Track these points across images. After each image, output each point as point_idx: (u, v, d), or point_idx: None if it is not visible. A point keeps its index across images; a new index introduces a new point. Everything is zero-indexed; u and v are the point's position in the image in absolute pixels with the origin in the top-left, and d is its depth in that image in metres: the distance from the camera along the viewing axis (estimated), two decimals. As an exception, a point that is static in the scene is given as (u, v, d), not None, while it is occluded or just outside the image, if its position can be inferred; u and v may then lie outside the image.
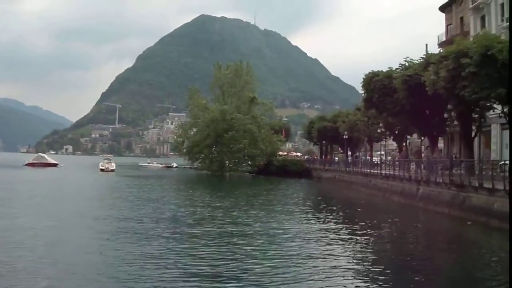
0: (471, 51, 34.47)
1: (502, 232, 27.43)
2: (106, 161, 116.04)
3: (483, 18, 69.44)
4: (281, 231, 27.88)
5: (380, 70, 53.46)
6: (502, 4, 63.83)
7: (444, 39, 77.32)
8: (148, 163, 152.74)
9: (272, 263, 19.36)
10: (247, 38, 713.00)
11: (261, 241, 24.60)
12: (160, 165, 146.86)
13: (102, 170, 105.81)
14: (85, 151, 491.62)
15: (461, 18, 77.45)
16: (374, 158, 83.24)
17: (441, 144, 68.69)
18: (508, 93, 10.64)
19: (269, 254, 21.15)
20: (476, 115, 45.67)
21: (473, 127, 46.90)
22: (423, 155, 50.13)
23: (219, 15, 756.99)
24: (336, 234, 27.14)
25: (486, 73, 33.43)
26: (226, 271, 17.85)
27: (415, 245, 26.45)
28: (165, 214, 34.24)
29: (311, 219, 34.16)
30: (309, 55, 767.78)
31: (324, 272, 18.27)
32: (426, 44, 63.21)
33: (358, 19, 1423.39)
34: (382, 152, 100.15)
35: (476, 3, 70.02)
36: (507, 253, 23.48)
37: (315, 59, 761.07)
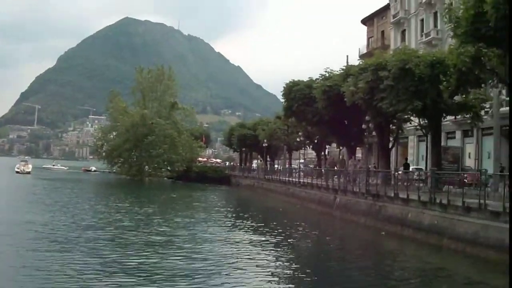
0: (389, 64, 35.25)
1: (416, 242, 28.22)
2: (22, 163, 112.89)
3: (403, 33, 71.38)
4: (199, 239, 27.70)
5: (301, 79, 54.02)
6: (422, 20, 65.78)
7: (365, 51, 79.07)
8: (53, 165, 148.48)
9: (192, 270, 19.30)
10: (170, 42, 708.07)
11: (178, 249, 24.39)
12: (65, 168, 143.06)
13: (17, 172, 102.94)
14: (2, 152, 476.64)
15: (382, 32, 79.42)
16: (297, 166, 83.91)
17: (359, 154, 70.13)
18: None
19: (188, 262, 21.04)
20: (393, 127, 46.78)
21: (391, 138, 47.97)
22: (349, 164, 50.90)
23: (143, 19, 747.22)
24: (252, 243, 27.07)
25: (403, 86, 34.21)
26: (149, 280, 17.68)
27: (330, 253, 26.71)
28: (84, 221, 33.12)
29: (230, 227, 34.16)
30: (231, 62, 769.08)
31: (240, 278, 18.38)
32: (347, 56, 64.55)
33: (282, 27, 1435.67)
34: (302, 161, 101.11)
35: (397, 17, 71.93)
36: (419, 262, 24.22)
37: (238, 66, 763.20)
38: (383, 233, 31.92)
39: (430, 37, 61.83)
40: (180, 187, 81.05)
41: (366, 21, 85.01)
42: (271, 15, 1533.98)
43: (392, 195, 33.81)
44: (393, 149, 53.74)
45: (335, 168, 52.29)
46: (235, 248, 25.39)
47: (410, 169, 42.10)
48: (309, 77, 53.15)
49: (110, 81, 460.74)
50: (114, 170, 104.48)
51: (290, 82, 53.31)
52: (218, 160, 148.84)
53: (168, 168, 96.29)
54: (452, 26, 25.00)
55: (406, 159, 47.57)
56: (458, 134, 54.87)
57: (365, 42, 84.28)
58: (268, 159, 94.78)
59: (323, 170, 55.25)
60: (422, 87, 33.95)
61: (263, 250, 25.08)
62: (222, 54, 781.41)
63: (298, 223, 37.38)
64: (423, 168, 44.76)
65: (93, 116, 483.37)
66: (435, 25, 61.82)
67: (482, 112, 37.60)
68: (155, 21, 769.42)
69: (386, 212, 34.08)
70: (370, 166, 52.26)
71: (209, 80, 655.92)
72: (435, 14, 60.41)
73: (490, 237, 23.28)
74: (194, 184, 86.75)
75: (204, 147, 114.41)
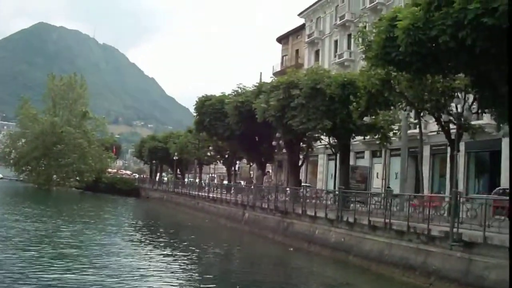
0: (301, 83, 35.51)
1: (323, 258, 28.40)
2: None
3: (317, 52, 72.45)
4: (106, 253, 27.00)
5: (214, 94, 53.87)
6: (336, 41, 66.94)
7: (279, 69, 79.68)
8: None
9: (98, 284, 18.73)
10: (85, 50, 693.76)
11: (84, 263, 23.72)
12: None
13: None
14: None
15: (297, 51, 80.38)
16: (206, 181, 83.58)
17: (269, 170, 70.46)
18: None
19: (95, 276, 20.40)
20: (303, 145, 47.24)
21: (301, 156, 48.38)
22: (264, 180, 51.00)
23: (58, 24, 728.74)
24: (159, 258, 26.71)
25: (314, 105, 34.52)
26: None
27: (236, 269, 26.59)
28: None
29: (137, 241, 33.67)
30: (146, 73, 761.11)
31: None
32: (261, 73, 64.97)
33: (200, 42, 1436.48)
34: (214, 175, 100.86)
35: (311, 37, 72.98)
36: (326, 278, 24.34)
37: (152, 78, 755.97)
38: (291, 249, 31.98)
39: (343, 58, 63.03)
40: (89, 198, 79.18)
41: (281, 39, 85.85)
42: (188, 28, 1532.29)
43: (300, 212, 33.99)
44: (303, 167, 54.26)
45: (252, 183, 52.25)
46: (141, 263, 24.86)
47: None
48: (221, 92, 53.10)
49: (22, 87, 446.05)
50: (21, 178, 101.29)
51: (203, 96, 53.02)
52: (128, 172, 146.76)
53: (77, 178, 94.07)
54: (364, 49, 25.42)
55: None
56: (367, 154, 55.98)
57: (279, 60, 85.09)
58: (178, 172, 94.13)
59: (232, 185, 55.23)
60: (333, 107, 34.36)
61: (169, 265, 24.71)
62: (136, 65, 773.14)
63: (206, 238, 37.10)
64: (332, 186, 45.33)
65: (2, 122, 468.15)
66: (349, 47, 63.08)
67: (391, 134, 38.34)
68: (71, 28, 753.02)
69: (294, 229, 34.23)
70: (280, 183, 52.55)
71: (122, 91, 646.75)
72: (349, 36, 61.45)
73: (394, 255, 23.70)
74: (103, 195, 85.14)
75: (114, 158, 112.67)
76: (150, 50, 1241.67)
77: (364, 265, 25.34)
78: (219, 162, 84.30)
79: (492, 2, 16.63)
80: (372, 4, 57.73)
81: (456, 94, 29.18)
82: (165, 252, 28.60)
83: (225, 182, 71.97)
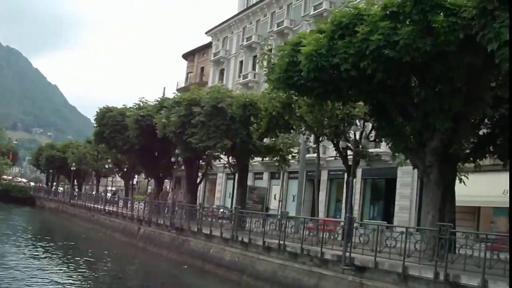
0: (203, 101, 35.19)
1: (217, 277, 28.05)
2: None
3: (222, 72, 72.35)
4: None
5: (116, 106, 52.74)
6: (242, 62, 67.04)
7: (183, 85, 79.11)
8: None
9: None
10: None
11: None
12: None
13: None
14: None
15: (202, 68, 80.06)
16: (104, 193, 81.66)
17: (167, 186, 69.57)
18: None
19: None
20: (203, 162, 46.86)
21: (199, 174, 47.96)
22: (169, 196, 50.25)
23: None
24: (50, 271, 25.83)
25: (214, 124, 34.23)
26: None
27: (128, 285, 25.97)
28: None
29: (29, 253, 32.44)
30: (48, 79, 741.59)
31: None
32: (164, 88, 64.26)
33: (106, 51, 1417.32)
34: (114, 188, 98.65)
35: (217, 56, 72.85)
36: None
37: (55, 85, 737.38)
38: (185, 266, 31.48)
39: (247, 79, 63.06)
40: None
41: (187, 56, 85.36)
42: (95, 37, 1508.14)
43: (196, 229, 33.56)
44: (201, 184, 53.82)
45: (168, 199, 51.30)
46: (32, 278, 23.84)
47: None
48: (123, 105, 52.10)
49: None
50: None
51: (104, 107, 51.77)
52: (24, 180, 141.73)
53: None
54: (267, 71, 25.38)
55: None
56: (266, 176, 56.10)
57: (184, 77, 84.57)
58: (75, 183, 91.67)
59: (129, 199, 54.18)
60: (233, 126, 34.22)
61: (60, 278, 23.86)
62: (39, 70, 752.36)
63: (98, 252, 36.04)
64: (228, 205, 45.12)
65: None
66: (253, 68, 63.08)
67: (290, 157, 38.52)
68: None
69: (189, 246, 33.79)
70: (178, 199, 51.85)
71: (23, 96, 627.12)
72: (255, 57, 61.39)
73: (287, 277, 23.67)
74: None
75: (10, 165, 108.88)
76: (55, 57, 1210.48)
77: (257, 286, 25.19)
78: (117, 175, 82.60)
79: (394, 35, 16.88)
80: (279, 28, 58.18)
81: (354, 121, 29.62)
82: (56, 266, 27.61)
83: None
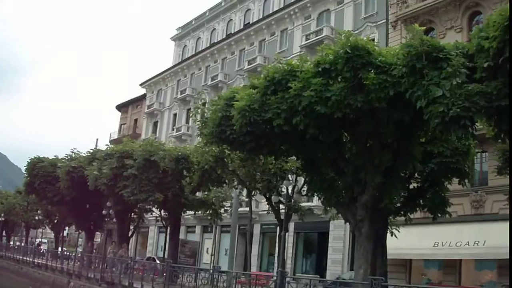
0: (135, 153, 34.69)
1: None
2: None
3: (156, 124, 71.89)
4: None
5: (48, 156, 51.44)
6: (175, 115, 66.77)
7: (116, 137, 78.18)
8: None
9: None
10: None
11: None
12: None
13: None
14: None
15: (136, 120, 79.48)
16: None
17: (98, 239, 68.04)
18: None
19: None
20: (134, 215, 45.97)
21: (131, 227, 46.99)
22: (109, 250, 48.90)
23: None
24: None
25: (146, 177, 33.73)
26: None
27: None
28: None
29: None
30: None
31: None
32: (97, 139, 63.18)
33: (39, 100, 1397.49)
34: (44, 240, 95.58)
35: (151, 108, 72.52)
36: None
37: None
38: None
39: (180, 132, 62.74)
40: None
41: (121, 107, 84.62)
42: (30, 83, 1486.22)
43: (127, 284, 32.57)
44: (133, 238, 52.71)
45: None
46: None
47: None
48: (55, 155, 50.86)
49: None
50: None
51: (35, 157, 50.40)
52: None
53: None
54: (200, 125, 25.19)
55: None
56: (198, 229, 55.51)
57: (117, 128, 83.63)
58: (4, 234, 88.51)
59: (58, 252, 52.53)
60: (166, 180, 33.84)
61: None
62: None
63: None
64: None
65: None
66: (187, 122, 62.92)
67: (222, 210, 38.23)
68: None
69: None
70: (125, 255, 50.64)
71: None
72: (188, 110, 61.24)
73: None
74: None
75: None
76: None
77: None
78: (47, 227, 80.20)
79: (326, 91, 16.91)
80: (214, 81, 58.42)
81: (287, 175, 29.64)
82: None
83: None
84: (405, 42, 16.68)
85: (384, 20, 41.21)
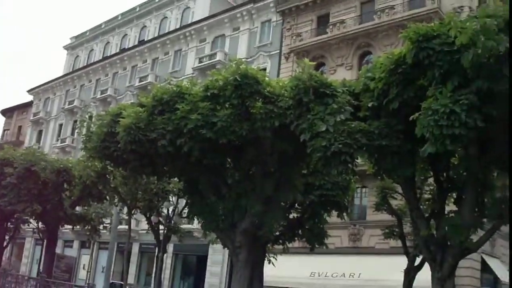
0: (16, 162, 33.24)
1: None
2: None
3: (40, 133, 69.29)
4: None
5: None
6: (61, 125, 64.58)
7: (-4, 143, 74.71)
8: None
9: None
10: None
11: None
12: None
13: None
14: None
15: (20, 127, 76.35)
16: None
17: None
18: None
19: None
20: (11, 225, 43.94)
21: (6, 237, 44.83)
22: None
23: None
24: None
25: (26, 186, 32.39)
26: None
27: None
28: None
29: None
30: None
31: None
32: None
33: None
34: None
35: (37, 116, 69.82)
36: None
37: None
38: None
39: (65, 143, 60.56)
40: None
41: (6, 112, 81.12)
42: None
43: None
44: (8, 248, 50.28)
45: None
46: None
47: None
48: None
49: None
50: None
51: None
52: None
53: None
54: (85, 138, 24.41)
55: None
56: (76, 244, 53.70)
57: (0, 134, 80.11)
58: None
59: None
60: (45, 191, 32.73)
61: None
62: None
63: None
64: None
65: None
66: (73, 133, 60.80)
67: (101, 227, 37.25)
68: None
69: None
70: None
71: None
72: (75, 122, 59.37)
73: None
74: None
75: None
76: None
77: None
78: None
79: (212, 116, 16.75)
80: (103, 95, 56.94)
81: (168, 196, 29.29)
82: None
83: None
84: (294, 75, 16.77)
85: (278, 51, 41.66)
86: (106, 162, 23.78)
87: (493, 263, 32.00)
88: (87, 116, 31.53)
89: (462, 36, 12.43)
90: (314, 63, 17.44)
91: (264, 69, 36.29)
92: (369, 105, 15.15)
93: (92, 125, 24.65)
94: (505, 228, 22.14)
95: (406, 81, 14.16)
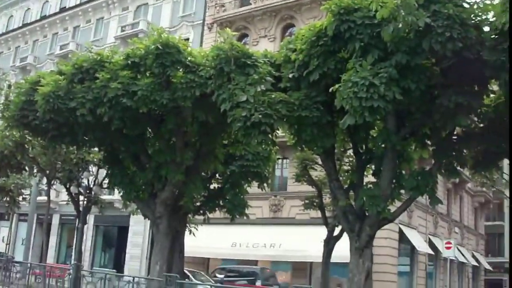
0: None
1: None
2: None
3: None
4: None
5: None
6: None
7: None
8: None
9: None
10: None
11: None
12: None
13: None
14: None
15: None
16: None
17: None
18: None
19: None
20: None
21: None
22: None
23: None
24: None
25: None
26: None
27: None
28: None
29: None
30: None
31: None
32: None
33: None
34: None
35: None
36: None
37: None
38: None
39: (-17, 113, 58.46)
40: None
41: None
42: None
43: None
44: None
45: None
46: None
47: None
48: None
49: None
50: None
51: None
52: None
53: None
54: (2, 107, 23.61)
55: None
56: (-5, 216, 52.13)
57: None
58: None
59: None
60: None
61: None
62: None
63: None
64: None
65: None
66: (-8, 101, 58.82)
67: (20, 198, 36.32)
68: None
69: None
70: None
71: None
72: (-8, 90, 57.36)
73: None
74: None
75: None
76: None
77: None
78: None
79: (133, 85, 16.48)
80: (22, 63, 55.05)
81: (88, 167, 28.77)
82: None
83: None
84: (216, 45, 16.60)
85: (201, 21, 41.19)
86: (24, 132, 23.02)
87: (410, 233, 32.96)
88: (5, 85, 30.33)
89: (383, 10, 12.56)
90: (237, 33, 17.27)
91: (187, 39, 35.88)
92: (290, 76, 15.16)
93: (10, 94, 23.92)
94: (421, 199, 22.86)
95: (327, 53, 14.21)
